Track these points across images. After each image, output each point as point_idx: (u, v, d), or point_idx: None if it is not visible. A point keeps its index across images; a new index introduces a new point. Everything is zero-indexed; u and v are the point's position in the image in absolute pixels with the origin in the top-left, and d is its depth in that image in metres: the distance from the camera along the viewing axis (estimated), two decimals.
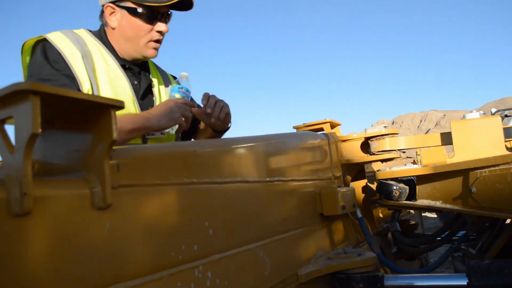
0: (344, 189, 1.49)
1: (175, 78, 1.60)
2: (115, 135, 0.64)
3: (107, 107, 0.64)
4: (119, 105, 0.65)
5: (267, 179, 1.16)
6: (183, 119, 1.18)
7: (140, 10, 1.25)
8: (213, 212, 0.91)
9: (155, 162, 0.80)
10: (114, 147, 0.69)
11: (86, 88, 1.18)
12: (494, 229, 1.82)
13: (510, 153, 1.64)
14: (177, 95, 1.30)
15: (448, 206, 1.71)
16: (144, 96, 1.37)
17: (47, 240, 0.58)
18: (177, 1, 1.27)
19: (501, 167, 1.53)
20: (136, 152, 0.78)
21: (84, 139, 0.68)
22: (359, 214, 1.66)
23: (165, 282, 0.74)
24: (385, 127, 1.86)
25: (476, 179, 1.58)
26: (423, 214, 3.44)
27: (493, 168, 1.55)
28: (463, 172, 1.65)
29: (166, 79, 1.55)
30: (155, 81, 1.45)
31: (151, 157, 0.80)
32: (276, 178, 1.20)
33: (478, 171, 1.59)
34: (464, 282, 1.25)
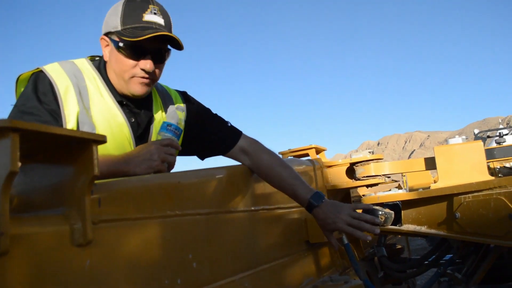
0: None
1: (183, 95, 1.44)
2: (96, 170, 0.63)
3: (88, 142, 0.64)
4: (101, 140, 0.64)
5: (252, 208, 1.15)
6: (166, 163, 1.09)
7: (121, 44, 1.18)
8: (197, 244, 0.90)
9: (138, 195, 0.79)
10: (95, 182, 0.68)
11: (70, 125, 1.13)
12: (479, 253, 1.83)
13: (493, 178, 1.66)
14: (165, 135, 1.22)
15: (433, 231, 1.72)
16: (144, 133, 1.29)
17: (25, 280, 0.56)
18: (155, 36, 1.15)
19: (484, 192, 1.55)
20: (118, 185, 0.77)
21: (65, 174, 0.67)
22: (345, 240, 1.64)
23: None
24: (370, 152, 1.87)
25: (460, 205, 1.59)
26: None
27: (476, 194, 1.56)
28: (447, 197, 1.67)
29: (171, 104, 1.40)
30: (157, 115, 1.33)
31: (133, 190, 0.79)
32: (261, 207, 1.20)
33: (462, 196, 1.60)
34: None
